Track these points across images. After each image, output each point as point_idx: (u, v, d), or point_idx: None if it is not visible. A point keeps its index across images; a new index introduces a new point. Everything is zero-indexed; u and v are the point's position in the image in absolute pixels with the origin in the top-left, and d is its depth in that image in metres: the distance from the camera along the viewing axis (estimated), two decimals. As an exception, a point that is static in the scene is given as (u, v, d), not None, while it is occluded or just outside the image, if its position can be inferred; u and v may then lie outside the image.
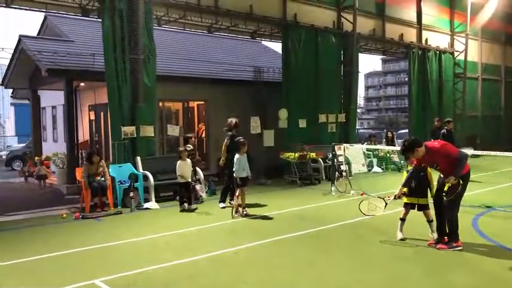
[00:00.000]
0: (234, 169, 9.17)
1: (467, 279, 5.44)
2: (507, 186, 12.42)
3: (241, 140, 9.43)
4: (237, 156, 9.20)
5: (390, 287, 5.25)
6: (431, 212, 6.97)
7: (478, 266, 5.91)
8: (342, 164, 12.73)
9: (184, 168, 9.81)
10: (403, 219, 7.11)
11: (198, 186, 10.79)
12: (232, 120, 10.37)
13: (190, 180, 9.97)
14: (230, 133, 10.21)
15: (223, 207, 9.91)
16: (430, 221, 7.08)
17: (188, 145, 10.76)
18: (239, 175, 9.10)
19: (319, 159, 14.31)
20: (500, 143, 22.47)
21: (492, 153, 10.82)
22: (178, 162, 9.80)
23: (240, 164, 9.11)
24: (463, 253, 6.44)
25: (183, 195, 9.83)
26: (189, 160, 10.08)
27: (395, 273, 5.67)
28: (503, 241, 6.89)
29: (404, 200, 7.05)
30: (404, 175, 7.12)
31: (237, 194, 9.14)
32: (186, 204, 9.77)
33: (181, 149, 10.15)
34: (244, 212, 9.12)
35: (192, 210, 9.69)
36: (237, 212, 9.08)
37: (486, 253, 6.47)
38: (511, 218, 8.56)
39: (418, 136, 18.27)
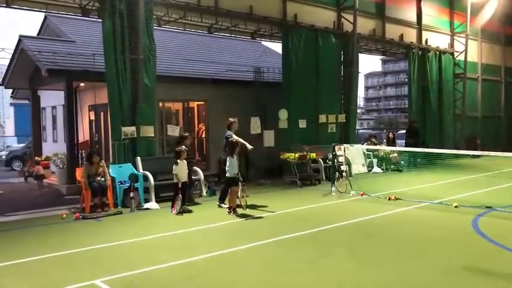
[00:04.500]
0: (226, 168, 9.48)
1: (467, 281, 5.44)
2: (507, 186, 12.42)
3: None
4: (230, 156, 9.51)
5: (389, 287, 5.24)
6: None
7: (478, 267, 5.91)
8: (342, 165, 12.72)
9: (181, 168, 9.78)
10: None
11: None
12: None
13: (185, 180, 9.91)
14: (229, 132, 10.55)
15: (223, 207, 9.90)
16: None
17: (183, 146, 10.63)
18: (234, 174, 9.41)
19: (319, 159, 14.31)
20: (500, 144, 22.49)
21: (492, 153, 10.83)
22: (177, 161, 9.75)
23: (234, 164, 9.42)
24: (463, 254, 6.45)
25: (177, 197, 9.55)
26: (185, 161, 10.02)
27: (395, 273, 5.67)
28: (503, 242, 6.89)
29: None
30: None
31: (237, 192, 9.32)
32: (178, 207, 9.48)
33: (182, 148, 10.06)
34: (231, 212, 9.23)
35: (189, 211, 9.68)
36: (234, 211, 9.16)
37: (486, 254, 6.47)
38: (511, 219, 8.56)
39: (417, 137, 18.46)
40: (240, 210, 9.38)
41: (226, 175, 9.54)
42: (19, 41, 14.47)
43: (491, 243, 6.94)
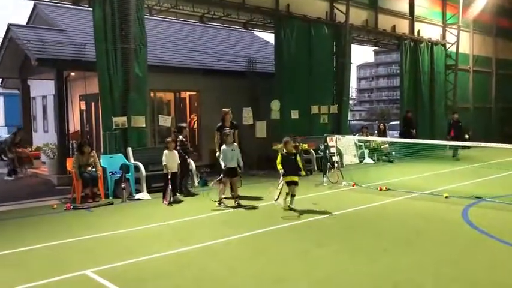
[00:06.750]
0: (220, 159, 9.33)
1: (457, 271, 5.49)
2: (497, 177, 12.53)
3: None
4: (223, 147, 9.39)
5: (381, 278, 5.27)
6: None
7: (468, 257, 5.97)
8: (334, 155, 12.75)
9: (170, 158, 9.77)
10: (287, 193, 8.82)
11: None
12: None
13: (176, 171, 9.90)
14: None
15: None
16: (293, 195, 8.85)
17: (181, 136, 10.66)
18: (227, 165, 9.21)
19: (311, 150, 14.33)
20: (490, 135, 22.64)
21: (482, 144, 10.93)
22: (165, 152, 9.73)
23: (226, 155, 9.26)
24: (453, 244, 6.51)
25: (167, 187, 9.52)
26: (175, 151, 10.01)
27: (386, 264, 5.71)
28: (492, 231, 6.97)
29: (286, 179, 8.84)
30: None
31: (220, 185, 9.18)
32: (169, 197, 9.47)
33: (169, 139, 10.06)
34: (237, 203, 9.15)
35: (180, 201, 9.68)
36: (220, 203, 9.08)
37: (475, 244, 6.54)
38: (500, 209, 8.64)
39: (408, 128, 18.56)
40: (229, 203, 9.24)
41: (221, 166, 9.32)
42: (8, 29, 14.29)
43: (480, 233, 7.01)
